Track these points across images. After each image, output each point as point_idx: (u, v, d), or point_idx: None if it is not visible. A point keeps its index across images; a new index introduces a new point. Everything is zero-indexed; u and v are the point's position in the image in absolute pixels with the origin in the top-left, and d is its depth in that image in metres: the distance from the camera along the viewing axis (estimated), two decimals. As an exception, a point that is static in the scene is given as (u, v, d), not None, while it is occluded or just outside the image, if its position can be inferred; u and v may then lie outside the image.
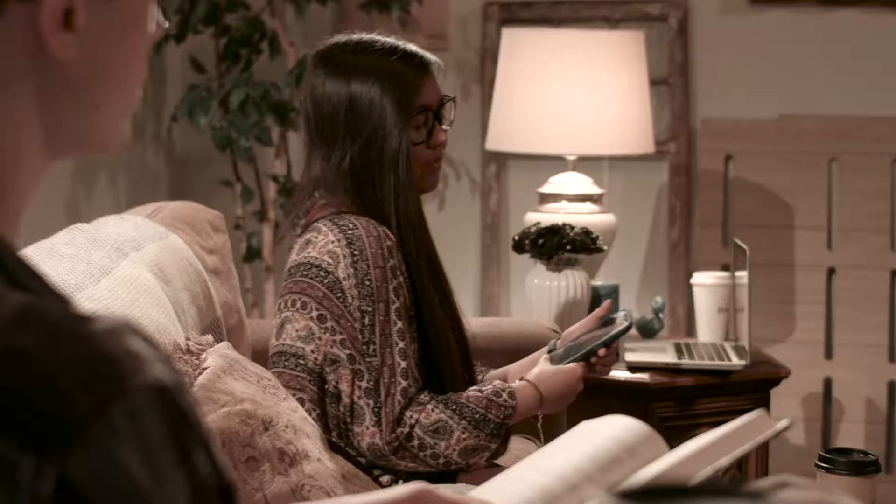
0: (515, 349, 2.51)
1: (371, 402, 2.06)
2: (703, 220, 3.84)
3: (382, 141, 2.13)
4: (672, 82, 3.83)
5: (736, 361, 3.05)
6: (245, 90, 3.60)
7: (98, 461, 0.65)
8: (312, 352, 2.10)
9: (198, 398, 1.86)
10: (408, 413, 2.06)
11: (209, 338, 2.09)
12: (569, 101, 3.28)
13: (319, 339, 2.09)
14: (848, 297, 3.71)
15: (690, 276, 3.47)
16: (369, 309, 2.07)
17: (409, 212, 2.15)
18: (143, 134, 3.89)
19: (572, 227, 3.05)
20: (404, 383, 2.07)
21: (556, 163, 3.47)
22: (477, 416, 2.08)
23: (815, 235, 3.73)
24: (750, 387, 3.09)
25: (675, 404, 3.02)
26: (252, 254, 3.78)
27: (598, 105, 3.29)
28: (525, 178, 3.86)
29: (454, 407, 2.08)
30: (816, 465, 1.95)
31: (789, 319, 3.73)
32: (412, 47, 2.19)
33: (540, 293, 3.09)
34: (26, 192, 0.79)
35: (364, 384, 2.07)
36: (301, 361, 2.11)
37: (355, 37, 2.20)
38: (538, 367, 2.20)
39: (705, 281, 3.28)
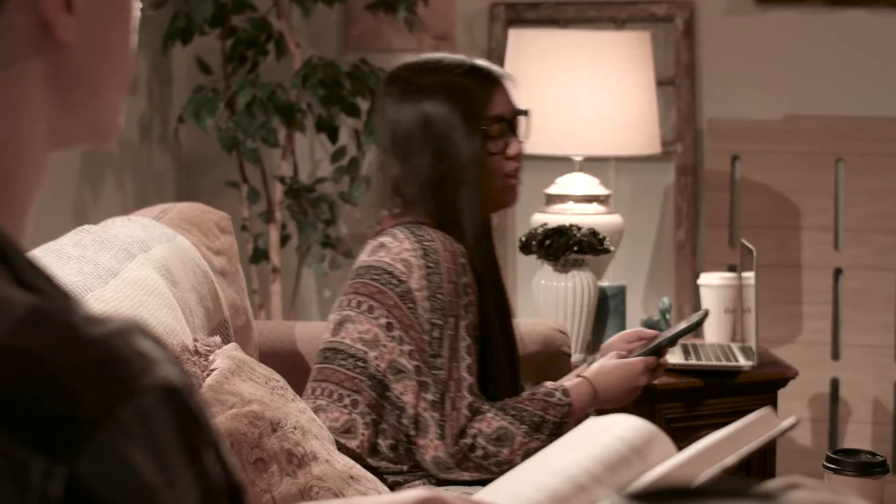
0: (522, 350, 2.50)
1: (436, 414, 2.07)
2: (709, 220, 3.84)
3: (454, 151, 2.16)
4: (678, 83, 3.83)
5: (743, 362, 3.05)
6: (251, 91, 3.60)
7: (108, 462, 0.65)
8: (376, 358, 2.10)
9: (206, 399, 1.86)
10: (471, 425, 2.07)
11: (217, 339, 2.09)
12: (575, 102, 3.28)
13: (385, 346, 2.10)
14: (855, 297, 3.70)
15: (697, 276, 3.47)
16: (439, 322, 2.08)
17: (483, 225, 2.17)
18: (149, 135, 3.89)
19: (579, 228, 3.05)
20: (470, 398, 2.08)
21: (562, 163, 3.47)
22: (535, 418, 2.10)
23: (822, 236, 3.73)
24: (757, 388, 3.08)
25: (681, 405, 3.02)
26: (258, 255, 3.78)
27: (604, 106, 3.29)
28: (531, 178, 3.84)
29: (513, 412, 2.09)
30: (824, 466, 1.95)
31: (796, 320, 3.73)
32: (480, 62, 2.22)
33: (547, 294, 3.09)
34: (32, 186, 0.79)
35: (430, 396, 2.08)
36: (360, 364, 2.11)
37: (422, 57, 2.24)
38: (599, 362, 2.21)
39: (712, 281, 3.28)
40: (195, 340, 2.05)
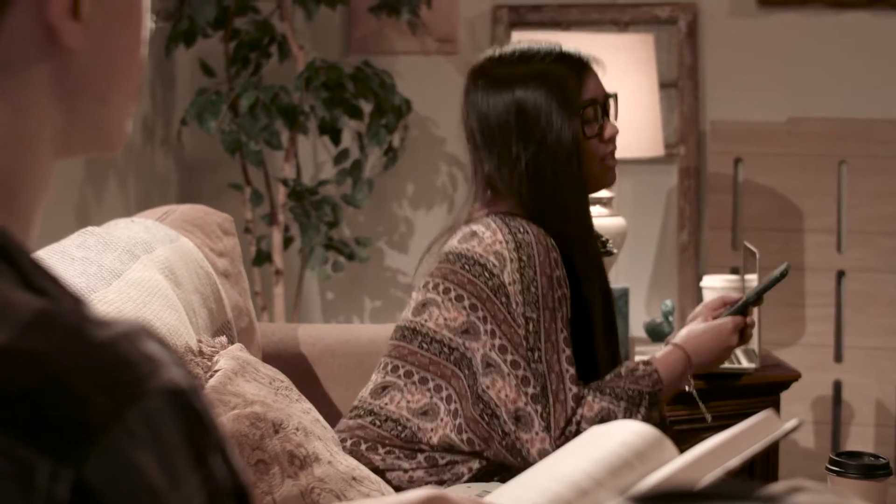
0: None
1: (539, 407, 2.05)
2: (712, 222, 3.84)
3: (556, 138, 2.14)
4: (681, 85, 3.83)
5: (746, 364, 3.05)
6: (254, 94, 3.60)
7: (114, 464, 0.65)
8: (470, 350, 2.08)
9: (211, 401, 1.86)
10: (575, 412, 2.06)
11: (223, 339, 2.09)
12: (578, 105, 3.28)
13: (480, 339, 2.08)
14: (858, 299, 3.70)
15: (700, 279, 3.47)
16: (534, 316, 2.07)
17: (585, 212, 2.17)
18: (152, 137, 3.90)
19: (582, 231, 3.04)
20: (575, 389, 2.07)
21: (565, 166, 3.47)
22: (630, 392, 2.10)
23: (825, 238, 3.73)
24: (760, 390, 3.08)
25: (684, 408, 3.02)
26: (261, 257, 3.78)
27: (607, 108, 3.29)
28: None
29: (609, 391, 2.09)
30: (827, 469, 1.95)
31: (799, 322, 3.73)
32: (568, 47, 2.21)
33: (549, 296, 3.08)
34: (38, 192, 0.79)
35: (531, 390, 2.05)
36: (446, 350, 2.10)
37: (508, 48, 2.22)
38: (686, 328, 2.22)
39: (715, 284, 3.28)
40: (199, 341, 2.05)
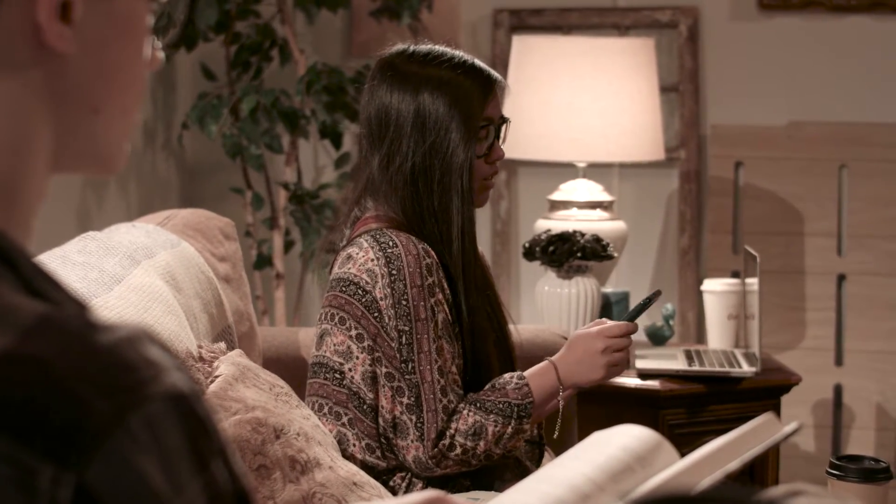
0: (527, 356, 2.51)
1: (413, 417, 2.11)
2: (713, 226, 3.84)
3: (448, 152, 2.16)
4: (682, 89, 3.83)
5: (746, 368, 3.05)
6: (255, 98, 3.60)
7: (116, 469, 0.66)
8: (350, 370, 2.15)
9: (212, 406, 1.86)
10: (448, 425, 2.11)
11: (222, 345, 2.09)
12: (579, 109, 3.29)
13: (357, 357, 2.14)
14: (858, 303, 3.71)
15: (700, 282, 3.47)
16: (406, 328, 2.11)
17: (467, 224, 2.18)
18: (153, 141, 3.90)
19: (583, 235, 3.05)
20: (444, 400, 2.11)
21: (566, 170, 3.47)
22: (501, 405, 2.12)
23: (826, 242, 3.73)
24: (760, 394, 3.09)
25: (685, 411, 3.02)
26: (262, 261, 3.79)
27: (608, 112, 3.29)
28: (535, 185, 3.86)
29: (481, 405, 2.13)
30: (827, 473, 1.95)
31: (800, 326, 3.73)
32: (480, 63, 2.22)
33: (550, 300, 3.09)
34: (35, 198, 0.79)
35: (405, 400, 2.11)
36: (338, 376, 2.16)
37: (423, 48, 2.22)
38: (567, 342, 2.24)
39: (715, 288, 3.28)
40: (199, 347, 2.05)
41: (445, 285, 2.15)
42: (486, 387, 2.17)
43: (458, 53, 2.22)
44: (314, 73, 3.63)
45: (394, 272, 2.11)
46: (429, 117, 2.16)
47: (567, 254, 3.03)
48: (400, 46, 2.24)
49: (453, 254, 2.17)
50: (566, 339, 2.77)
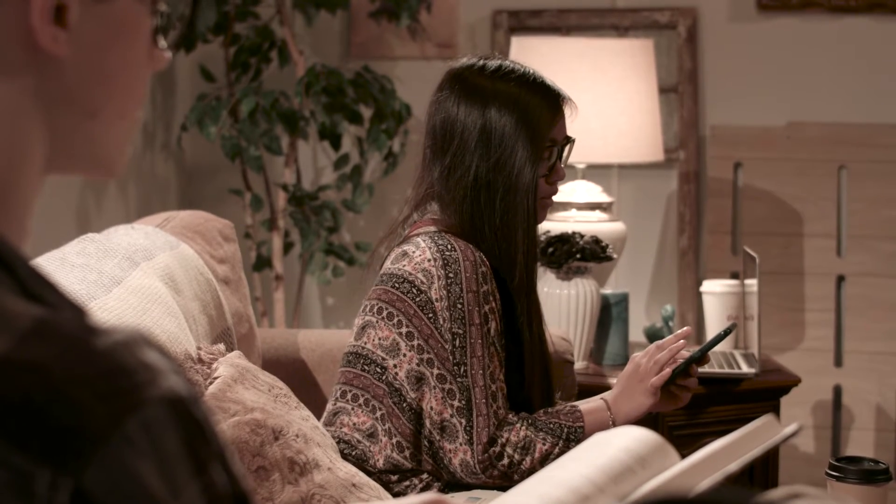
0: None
1: (463, 420, 2.09)
2: (712, 227, 3.84)
3: (514, 170, 2.15)
4: (681, 90, 3.83)
5: (746, 369, 3.05)
6: (254, 99, 3.60)
7: (114, 473, 0.65)
8: (395, 366, 2.13)
9: (210, 408, 1.86)
10: (500, 433, 2.10)
11: (221, 347, 2.09)
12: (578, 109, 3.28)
13: (404, 355, 2.13)
14: (858, 304, 3.71)
15: (700, 283, 3.47)
16: (460, 331, 2.10)
17: (531, 246, 2.17)
18: (152, 143, 3.90)
19: (582, 236, 3.05)
20: (495, 406, 2.10)
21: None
22: (552, 425, 2.12)
23: (825, 243, 3.73)
24: (760, 395, 3.09)
25: (684, 413, 3.02)
26: (261, 263, 3.79)
27: (607, 113, 3.29)
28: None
29: (535, 423, 2.12)
30: (827, 474, 1.95)
31: (799, 327, 3.73)
32: (549, 81, 2.20)
33: (550, 302, 3.09)
34: (29, 201, 0.79)
35: (456, 403, 2.10)
36: (378, 370, 2.15)
37: (493, 62, 2.21)
38: (618, 382, 2.22)
39: (715, 289, 3.28)
40: (199, 349, 2.05)
41: (498, 296, 2.14)
42: (540, 411, 2.17)
43: (529, 70, 2.20)
44: (313, 75, 3.63)
45: (451, 275, 2.10)
46: (494, 133, 2.15)
47: (566, 255, 3.02)
48: (471, 59, 2.22)
49: (516, 277, 2.16)
50: (565, 339, 2.77)
